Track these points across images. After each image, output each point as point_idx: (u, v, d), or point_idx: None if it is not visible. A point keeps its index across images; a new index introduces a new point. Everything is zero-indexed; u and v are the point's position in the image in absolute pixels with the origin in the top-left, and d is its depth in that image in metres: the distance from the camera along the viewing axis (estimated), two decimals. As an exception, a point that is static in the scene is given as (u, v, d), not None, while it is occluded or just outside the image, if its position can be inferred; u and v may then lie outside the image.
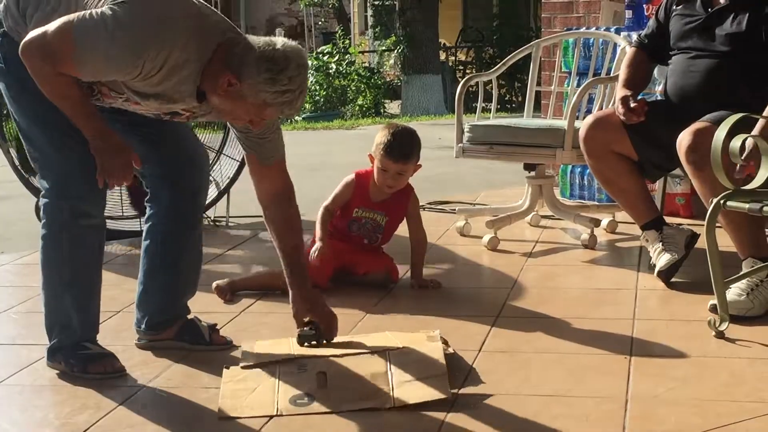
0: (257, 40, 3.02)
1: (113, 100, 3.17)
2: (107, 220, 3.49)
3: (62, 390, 3.16)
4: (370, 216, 4.25)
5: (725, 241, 4.12)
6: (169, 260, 3.49)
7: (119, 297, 4.19)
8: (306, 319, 3.35)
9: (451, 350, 3.29)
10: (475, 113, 5.57)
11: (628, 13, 5.79)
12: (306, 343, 3.31)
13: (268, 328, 3.69)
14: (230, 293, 4.14)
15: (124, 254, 5.08)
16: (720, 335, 3.43)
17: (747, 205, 3.40)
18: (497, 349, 3.40)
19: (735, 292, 3.66)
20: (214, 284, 4.14)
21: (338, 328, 3.40)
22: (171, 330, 3.52)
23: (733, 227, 3.83)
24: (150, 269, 3.54)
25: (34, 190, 5.39)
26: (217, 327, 3.61)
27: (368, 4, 21.12)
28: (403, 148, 4.14)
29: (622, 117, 4.09)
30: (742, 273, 3.68)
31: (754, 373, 3.10)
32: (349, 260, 4.21)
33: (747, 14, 3.98)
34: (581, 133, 4.29)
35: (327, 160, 7.39)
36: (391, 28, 17.26)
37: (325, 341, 3.33)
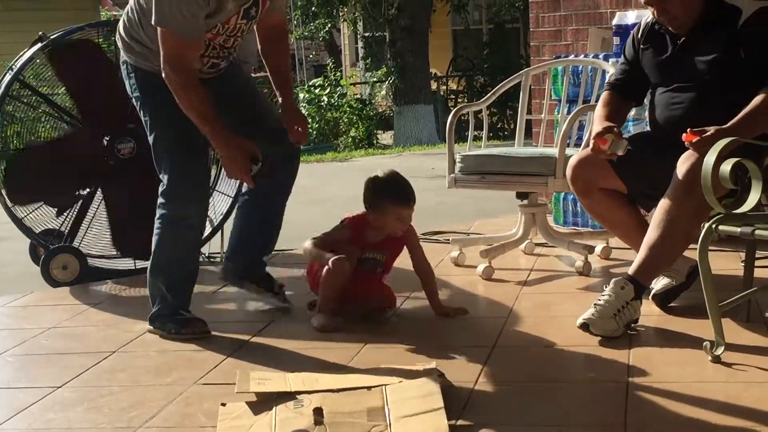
0: None
1: (217, 39, 3.92)
2: (101, 259, 3.63)
3: (58, 433, 3.15)
4: (369, 256, 4.22)
5: (719, 265, 4.13)
6: (269, 221, 4.31)
7: (114, 337, 4.18)
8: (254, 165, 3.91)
9: (447, 382, 3.28)
10: (467, 142, 5.58)
11: (616, 40, 5.81)
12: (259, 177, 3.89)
13: (265, 364, 3.68)
14: (332, 321, 4.10)
15: (117, 294, 5.07)
16: (716, 360, 3.42)
17: (739, 229, 3.41)
18: (494, 379, 3.39)
19: (604, 311, 3.71)
20: (315, 323, 4.09)
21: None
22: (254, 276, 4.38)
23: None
24: (247, 225, 4.33)
25: (28, 232, 5.39)
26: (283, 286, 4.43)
27: (359, 36, 21.22)
28: (409, 190, 4.14)
29: (592, 152, 4.02)
30: (737, 297, 3.68)
31: (751, 398, 3.09)
32: (355, 291, 4.15)
33: (718, 39, 3.95)
34: (568, 174, 4.28)
35: (321, 193, 7.40)
36: (382, 59, 17.33)
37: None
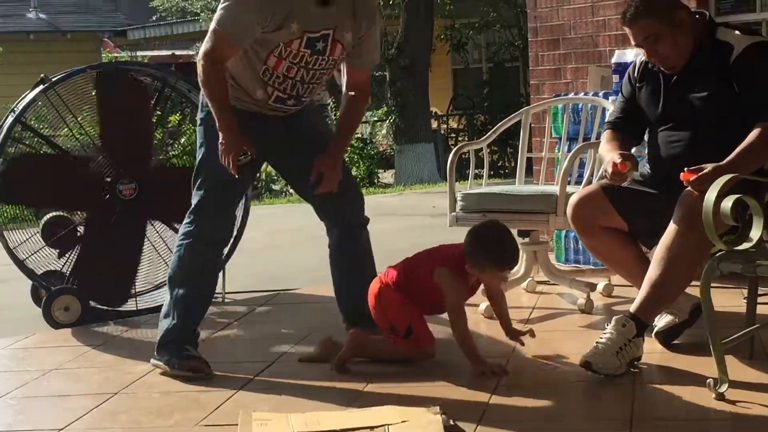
0: None
1: (280, 65, 4.14)
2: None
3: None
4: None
5: (722, 301, 4.12)
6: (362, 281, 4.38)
7: (116, 379, 4.17)
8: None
9: (451, 422, 3.26)
10: (468, 181, 5.58)
11: (615, 78, 5.84)
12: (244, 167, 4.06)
13: (266, 404, 3.66)
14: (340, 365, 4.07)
15: (119, 335, 5.06)
16: (720, 397, 3.40)
17: (741, 266, 3.41)
18: (496, 420, 3.38)
19: (606, 349, 3.70)
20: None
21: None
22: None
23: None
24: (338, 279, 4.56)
25: (30, 273, 5.39)
26: None
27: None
28: (514, 254, 4.01)
29: (611, 175, 3.99)
30: (740, 334, 3.67)
31: (756, 435, 3.08)
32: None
33: (711, 76, 3.96)
34: (569, 213, 4.28)
35: (321, 231, 7.39)
36: (383, 98, 17.38)
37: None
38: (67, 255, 5.48)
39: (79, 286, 5.32)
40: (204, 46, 4.13)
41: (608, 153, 4.11)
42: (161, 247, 5.65)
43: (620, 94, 4.34)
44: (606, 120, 4.53)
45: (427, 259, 4.12)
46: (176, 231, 5.52)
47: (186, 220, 4.27)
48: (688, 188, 3.77)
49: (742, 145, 3.82)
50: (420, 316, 4.09)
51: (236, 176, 4.10)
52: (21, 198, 5.51)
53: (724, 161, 3.75)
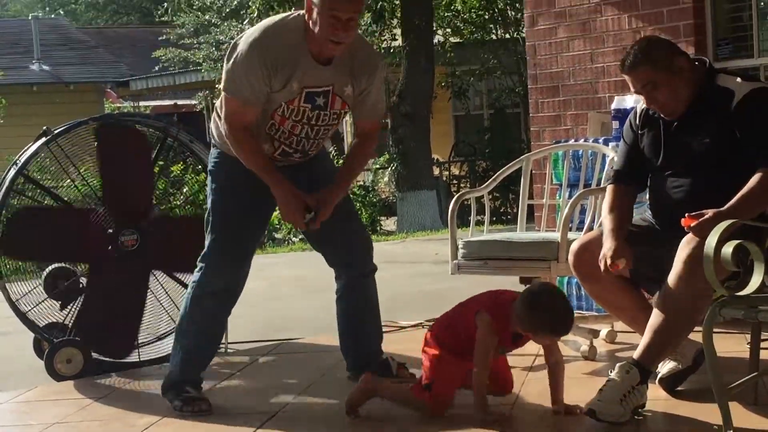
0: None
1: (285, 123, 4.22)
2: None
3: None
4: (504, 348, 4.04)
5: (725, 347, 4.11)
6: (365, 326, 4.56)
7: (119, 431, 4.15)
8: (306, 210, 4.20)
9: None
10: (470, 228, 5.59)
11: (615, 124, 5.87)
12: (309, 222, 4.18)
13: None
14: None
15: (122, 387, 5.04)
16: (725, 444, 3.39)
17: (742, 312, 3.40)
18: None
19: (610, 396, 3.68)
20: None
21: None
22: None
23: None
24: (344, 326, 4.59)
25: (32, 325, 5.38)
26: (405, 365, 4.46)
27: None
28: (569, 322, 3.88)
29: (602, 269, 3.98)
30: (743, 380, 3.65)
31: (762, 482, 3.06)
32: (469, 377, 3.98)
33: (712, 122, 3.97)
34: (570, 260, 4.28)
35: (325, 282, 7.38)
36: (384, 145, 17.44)
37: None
38: (69, 307, 5.47)
39: (81, 338, 5.31)
40: (223, 115, 4.22)
41: (606, 237, 4.05)
42: (164, 297, 5.65)
43: (622, 141, 4.34)
44: (610, 170, 4.53)
45: (475, 302, 4.08)
46: (178, 281, 5.56)
47: (197, 268, 4.38)
48: (689, 234, 3.78)
49: (743, 191, 3.83)
50: (449, 376, 3.97)
51: (306, 229, 4.25)
52: (22, 253, 5.50)
53: (725, 207, 3.76)
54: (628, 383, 3.74)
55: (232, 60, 4.13)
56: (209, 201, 4.41)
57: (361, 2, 4.16)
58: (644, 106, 4.17)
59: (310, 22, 4.07)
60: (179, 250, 5.42)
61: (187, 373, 4.39)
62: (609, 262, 3.94)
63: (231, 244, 4.32)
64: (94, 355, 5.35)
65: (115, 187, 5.45)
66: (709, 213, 3.70)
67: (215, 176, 4.42)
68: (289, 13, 4.30)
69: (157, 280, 5.64)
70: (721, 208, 3.73)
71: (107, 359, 5.41)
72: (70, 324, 5.40)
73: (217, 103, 4.41)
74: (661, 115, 4.10)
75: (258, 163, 4.20)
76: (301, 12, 4.16)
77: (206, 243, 4.36)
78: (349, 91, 4.24)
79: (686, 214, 3.73)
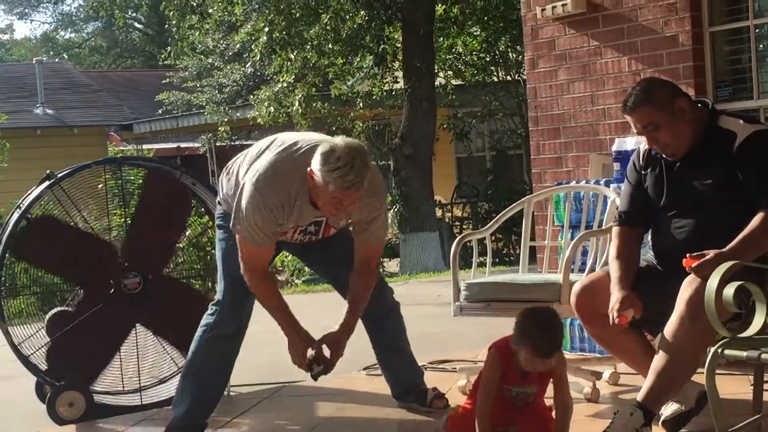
0: (325, 143, 4.03)
1: (292, 235, 4.39)
2: (107, 396, 4.39)
3: None
4: (520, 390, 4.00)
5: (728, 388, 4.10)
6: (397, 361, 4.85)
7: (120, 475, 4.14)
8: (310, 356, 4.25)
9: None
10: (472, 269, 5.59)
11: (616, 166, 5.88)
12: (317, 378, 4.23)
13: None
14: None
15: (124, 431, 5.02)
16: (728, 487, 3.37)
17: (745, 353, 3.39)
18: None
19: None
20: None
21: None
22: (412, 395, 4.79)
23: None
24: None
25: (34, 369, 5.38)
26: (445, 395, 4.66)
27: (363, 166, 21.40)
28: (551, 344, 3.86)
29: (611, 321, 3.96)
30: (746, 422, 3.64)
31: None
32: (510, 421, 3.98)
33: (715, 163, 3.98)
34: (572, 301, 4.28)
35: (328, 324, 7.38)
36: (387, 188, 17.48)
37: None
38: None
39: (51, 355, 5.34)
40: (241, 259, 4.29)
41: (614, 288, 4.04)
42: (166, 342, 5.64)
43: (626, 182, 4.34)
44: (615, 212, 4.53)
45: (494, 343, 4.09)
46: (168, 342, 5.57)
47: (209, 311, 4.50)
48: (691, 275, 3.78)
49: (744, 232, 3.83)
50: (465, 417, 4.03)
51: (310, 373, 4.29)
52: (33, 256, 5.51)
53: (726, 248, 3.76)
54: (632, 426, 3.73)
55: (242, 208, 4.17)
56: (218, 249, 4.53)
57: (363, 189, 4.08)
58: (647, 146, 4.19)
59: (312, 184, 4.07)
60: (170, 316, 5.49)
61: (196, 416, 4.43)
62: (616, 315, 3.93)
63: (242, 290, 4.38)
64: (96, 398, 5.34)
65: (142, 230, 5.53)
66: (711, 254, 3.71)
67: (222, 227, 4.52)
68: (295, 143, 4.27)
69: (151, 331, 5.62)
70: (723, 249, 3.74)
71: (109, 403, 5.40)
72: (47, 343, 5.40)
73: (230, 163, 4.52)
74: (664, 156, 4.12)
75: (271, 303, 4.32)
76: (306, 147, 4.19)
77: (219, 289, 4.48)
78: (344, 223, 4.38)
79: (687, 255, 3.74)
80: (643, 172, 4.23)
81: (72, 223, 5.53)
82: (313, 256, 4.78)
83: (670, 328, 3.81)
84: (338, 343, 4.39)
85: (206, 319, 4.47)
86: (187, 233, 6.40)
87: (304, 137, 4.32)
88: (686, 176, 4.07)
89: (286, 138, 4.37)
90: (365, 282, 4.47)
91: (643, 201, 4.23)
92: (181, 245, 6.04)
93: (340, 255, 4.53)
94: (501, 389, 3.99)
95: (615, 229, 4.28)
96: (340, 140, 4.01)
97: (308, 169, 4.02)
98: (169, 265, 5.74)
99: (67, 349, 5.36)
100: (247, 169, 4.30)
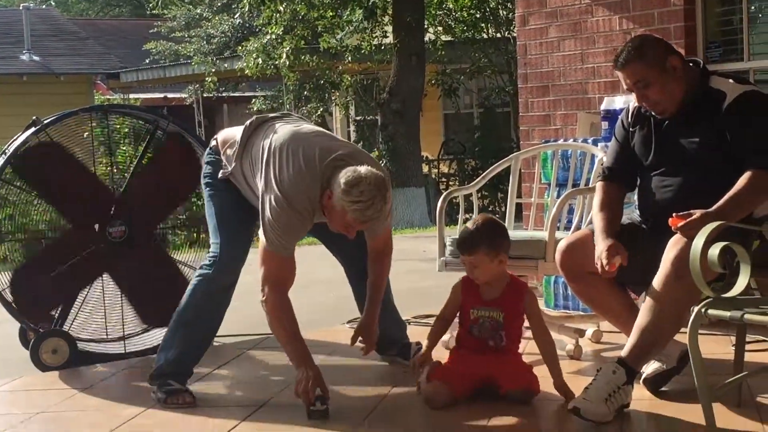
0: (350, 168, 3.98)
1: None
2: (91, 343, 4.33)
3: None
4: (486, 314, 4.18)
5: (710, 348, 4.12)
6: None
7: (103, 422, 4.16)
8: (318, 394, 4.01)
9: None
10: (458, 225, 5.59)
11: (604, 125, 5.89)
12: (315, 418, 3.97)
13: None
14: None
15: (107, 378, 5.03)
16: (708, 445, 3.40)
17: (728, 314, 3.41)
18: (485, 465, 3.37)
19: (596, 395, 3.70)
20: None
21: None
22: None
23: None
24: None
25: (18, 315, 5.37)
26: None
27: (351, 120, 21.39)
28: (465, 240, 4.19)
29: (600, 270, 3.97)
30: (728, 381, 3.67)
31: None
32: (489, 375, 4.11)
33: (703, 123, 3.98)
34: (557, 259, 4.29)
35: (314, 276, 7.39)
36: (374, 142, 17.44)
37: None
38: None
39: (13, 285, 5.33)
40: (263, 274, 4.13)
41: (599, 237, 4.06)
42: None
43: (614, 139, 4.35)
44: (600, 167, 4.54)
45: None
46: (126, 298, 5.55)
47: (205, 262, 4.47)
48: (676, 235, 3.79)
49: (731, 192, 3.84)
50: (446, 365, 4.21)
51: (311, 408, 4.04)
52: (30, 177, 5.49)
53: (713, 207, 3.77)
54: (614, 383, 3.76)
55: (270, 217, 4.06)
56: (208, 206, 4.52)
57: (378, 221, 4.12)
58: (636, 104, 4.18)
59: (328, 203, 4.04)
60: (140, 280, 5.49)
61: (184, 364, 4.44)
62: (605, 262, 3.94)
63: (235, 243, 4.42)
64: (80, 345, 5.35)
65: (144, 185, 5.52)
66: (697, 213, 3.71)
67: (208, 184, 4.53)
68: (322, 152, 4.15)
69: (115, 283, 5.61)
70: (709, 209, 3.74)
71: (93, 350, 5.41)
72: (56, 315, 5.39)
73: (229, 132, 4.52)
74: (653, 114, 4.11)
75: (285, 328, 4.16)
76: (316, 151, 4.12)
77: (214, 242, 4.46)
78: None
79: (674, 214, 3.74)
80: (631, 129, 4.23)
81: (72, 155, 5.51)
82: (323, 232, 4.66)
83: (654, 287, 3.82)
84: (370, 331, 4.51)
85: (203, 270, 4.46)
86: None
87: (332, 146, 4.21)
88: (674, 135, 4.07)
89: (313, 140, 4.23)
90: (381, 266, 4.51)
91: (629, 159, 4.23)
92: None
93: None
94: (468, 324, 4.19)
95: (599, 184, 4.30)
96: (365, 171, 3.96)
97: (328, 190, 4.02)
98: (157, 227, 5.72)
99: (32, 280, 5.36)
100: (268, 167, 4.16)
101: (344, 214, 3.99)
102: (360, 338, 4.54)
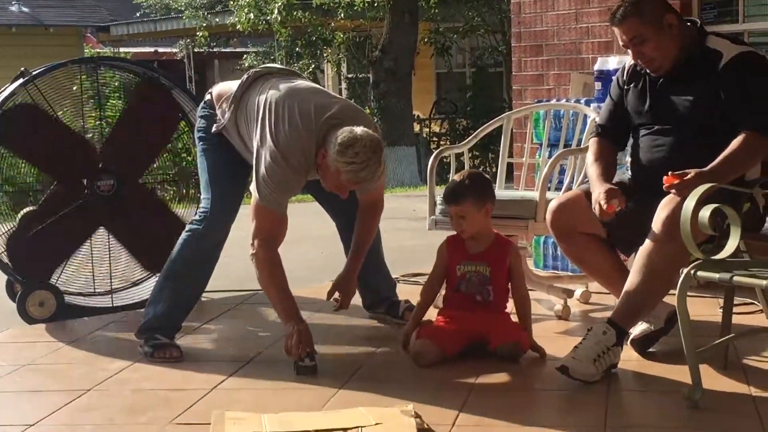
0: (346, 128, 3.95)
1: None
2: (78, 297, 4.42)
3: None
4: (472, 269, 4.21)
5: (698, 310, 4.13)
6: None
7: (90, 375, 4.15)
8: (306, 350, 4.02)
9: (424, 424, 3.26)
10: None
11: (597, 85, 5.85)
12: (303, 374, 3.98)
13: (240, 404, 3.65)
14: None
15: (94, 332, 5.02)
16: (693, 405, 3.41)
17: (717, 275, 3.41)
18: (470, 424, 3.38)
19: (585, 355, 3.72)
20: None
21: (308, 407, 3.64)
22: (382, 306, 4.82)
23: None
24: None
25: (5, 268, 5.35)
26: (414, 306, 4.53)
27: (342, 77, 21.30)
28: (452, 191, 4.24)
29: (598, 212, 3.94)
30: (715, 343, 3.69)
31: (729, 444, 3.09)
32: (478, 332, 4.13)
33: (698, 82, 3.97)
34: (548, 218, 4.28)
35: (305, 233, 7.38)
36: (365, 100, 17.38)
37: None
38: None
39: (8, 247, 5.32)
40: (254, 228, 4.12)
41: (595, 183, 4.06)
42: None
43: (608, 97, 4.34)
44: (594, 124, 4.53)
45: None
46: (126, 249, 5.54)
47: (195, 218, 4.46)
48: (668, 196, 3.78)
49: (725, 153, 3.83)
50: (435, 325, 4.23)
51: (299, 363, 4.04)
52: (11, 142, 5.45)
53: (707, 168, 3.76)
54: (603, 344, 3.76)
55: (265, 172, 4.05)
56: (200, 161, 4.50)
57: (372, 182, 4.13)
58: (632, 62, 4.16)
59: (322, 162, 4.03)
60: (135, 226, 5.48)
61: (173, 318, 4.43)
62: (603, 203, 3.91)
63: (227, 199, 4.40)
64: (67, 299, 5.34)
65: (124, 135, 5.46)
66: (692, 173, 3.70)
67: (202, 139, 4.49)
68: (317, 108, 4.12)
69: (133, 229, 5.60)
70: (703, 169, 3.73)
71: (80, 304, 5.40)
72: (8, 232, 5.38)
73: (224, 86, 4.47)
74: (648, 72, 4.09)
75: (274, 280, 4.15)
76: (312, 108, 4.09)
77: (205, 197, 4.44)
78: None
79: (669, 173, 3.73)
80: (625, 87, 4.21)
81: (54, 116, 5.46)
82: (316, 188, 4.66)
83: (644, 248, 3.82)
84: (349, 285, 4.50)
85: (193, 225, 4.45)
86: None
87: (329, 103, 4.17)
88: (668, 93, 4.05)
89: (309, 97, 4.19)
90: (369, 222, 4.48)
91: (621, 117, 4.22)
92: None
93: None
94: (456, 281, 4.22)
95: (592, 140, 4.31)
96: (361, 132, 3.94)
97: (322, 149, 4.01)
98: (144, 173, 5.69)
99: (28, 240, 5.34)
100: (264, 123, 4.13)
101: (338, 174, 3.98)
102: (337, 293, 4.53)
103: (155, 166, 5.91)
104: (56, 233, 5.34)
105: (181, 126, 5.71)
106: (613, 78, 4.33)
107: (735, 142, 3.84)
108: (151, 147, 5.65)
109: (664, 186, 3.74)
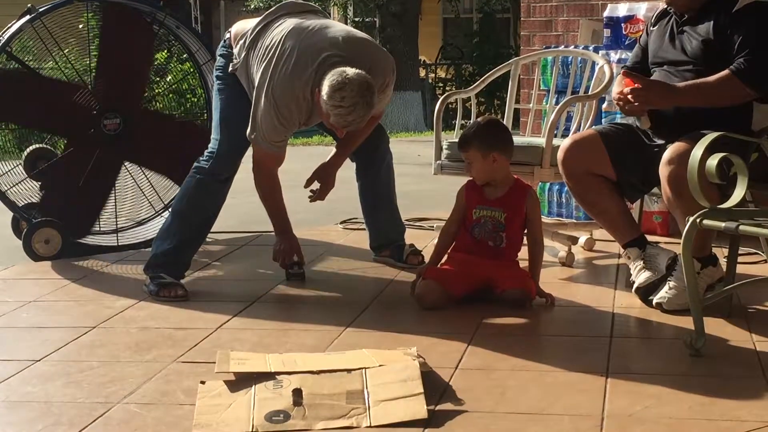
0: (338, 69, 4.01)
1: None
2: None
3: (35, 407, 3.12)
4: (487, 214, 4.21)
5: (702, 260, 4.12)
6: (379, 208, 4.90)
7: (95, 313, 4.17)
8: (294, 259, 4.48)
9: (428, 367, 3.28)
10: (455, 130, 5.57)
11: (606, 32, 5.82)
12: (292, 279, 4.46)
13: (244, 344, 3.67)
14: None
15: (99, 270, 5.04)
16: (696, 353, 3.43)
17: (723, 224, 3.41)
18: (474, 367, 3.40)
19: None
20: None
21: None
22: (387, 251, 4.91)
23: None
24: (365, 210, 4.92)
25: (11, 205, 5.36)
26: (421, 252, 4.80)
27: (349, 21, 21.16)
28: (462, 137, 4.31)
29: (618, 95, 4.03)
30: (719, 291, 3.70)
31: (729, 392, 3.10)
32: (486, 276, 4.14)
33: (710, 23, 3.99)
34: (559, 156, 4.28)
35: (305, 177, 7.38)
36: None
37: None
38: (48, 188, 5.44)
39: (43, 210, 5.32)
40: (253, 156, 4.38)
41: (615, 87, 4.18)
42: (145, 184, 5.63)
43: (638, 43, 4.40)
44: (622, 66, 4.57)
45: None
46: (158, 172, 5.55)
47: (203, 158, 4.50)
48: (667, 152, 3.82)
49: (700, 80, 3.93)
50: (443, 267, 4.25)
51: (289, 271, 4.53)
52: (5, 112, 5.45)
53: (674, 84, 3.90)
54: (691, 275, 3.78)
55: (258, 119, 4.22)
56: (216, 99, 4.56)
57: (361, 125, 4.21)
58: (663, 6, 4.20)
59: (318, 101, 4.12)
60: (156, 148, 5.48)
61: (178, 256, 4.46)
62: (623, 81, 4.00)
63: (235, 140, 4.44)
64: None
65: (110, 68, 5.42)
66: (647, 81, 3.89)
67: (219, 77, 4.54)
68: (313, 51, 4.18)
69: (139, 167, 5.61)
70: (672, 84, 3.88)
71: (86, 242, 5.41)
72: (40, 197, 5.39)
73: (242, 24, 4.49)
74: (674, 14, 4.12)
75: (273, 200, 4.48)
76: (310, 51, 4.17)
77: (214, 137, 4.49)
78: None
79: (629, 75, 3.88)
80: (651, 28, 4.26)
81: (36, 72, 5.45)
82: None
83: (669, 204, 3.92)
84: (328, 175, 4.62)
85: (199, 163, 4.48)
86: (167, 79, 6.33)
87: (332, 41, 4.22)
88: (683, 33, 4.09)
89: (314, 39, 4.24)
90: (368, 126, 4.49)
91: (645, 61, 4.28)
92: (159, 90, 5.97)
93: None
94: (470, 224, 4.21)
95: (619, 77, 4.28)
96: (352, 74, 4.00)
97: (317, 88, 4.09)
98: (143, 99, 5.66)
99: (59, 197, 5.36)
100: (265, 67, 4.22)
101: (328, 116, 4.09)
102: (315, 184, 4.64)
103: (161, 107, 5.89)
104: (94, 187, 5.39)
105: (187, 67, 5.68)
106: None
107: (715, 75, 3.91)
108: (138, 73, 5.59)
109: (623, 88, 3.89)
